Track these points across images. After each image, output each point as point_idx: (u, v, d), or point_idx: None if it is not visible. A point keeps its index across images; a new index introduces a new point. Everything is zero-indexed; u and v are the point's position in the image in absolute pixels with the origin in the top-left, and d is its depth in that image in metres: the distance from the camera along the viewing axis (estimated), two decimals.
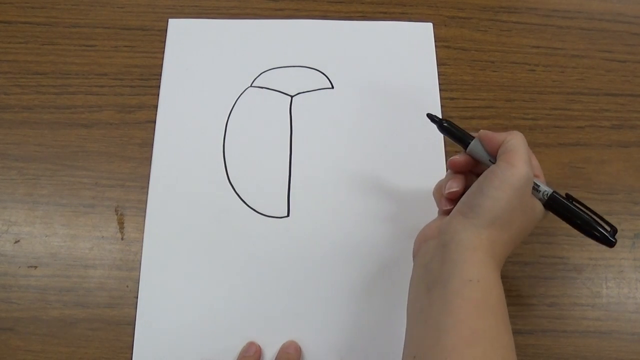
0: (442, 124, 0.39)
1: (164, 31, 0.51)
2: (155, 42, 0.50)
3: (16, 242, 0.44)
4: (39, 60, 0.49)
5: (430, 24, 0.52)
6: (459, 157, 0.38)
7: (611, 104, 0.50)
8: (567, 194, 0.37)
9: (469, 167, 0.38)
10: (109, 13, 0.51)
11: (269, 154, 0.47)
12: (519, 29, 0.53)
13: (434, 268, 0.34)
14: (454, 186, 0.37)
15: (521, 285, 0.44)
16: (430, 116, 0.39)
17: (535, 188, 0.36)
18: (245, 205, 0.45)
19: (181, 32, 0.51)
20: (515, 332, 0.42)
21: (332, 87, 0.49)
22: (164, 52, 0.50)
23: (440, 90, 0.49)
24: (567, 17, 0.53)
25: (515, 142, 0.35)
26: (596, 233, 0.36)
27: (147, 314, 0.42)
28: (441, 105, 0.49)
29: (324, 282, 0.43)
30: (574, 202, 0.37)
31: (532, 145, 0.48)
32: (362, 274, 0.43)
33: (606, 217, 0.46)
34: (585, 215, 0.36)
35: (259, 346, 0.41)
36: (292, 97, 0.49)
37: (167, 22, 0.51)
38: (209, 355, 0.41)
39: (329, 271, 0.43)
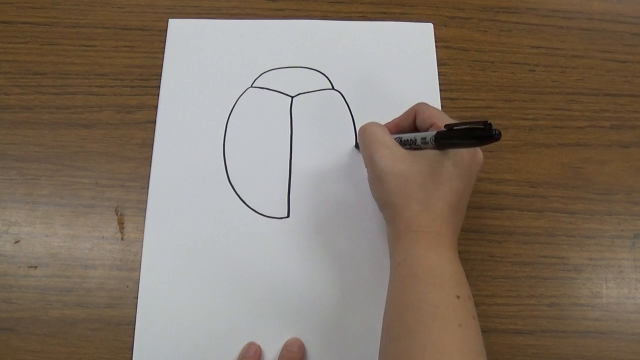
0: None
1: (164, 31, 0.51)
2: (155, 42, 0.50)
3: (16, 242, 0.44)
4: (39, 60, 0.49)
5: (431, 24, 0.52)
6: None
7: (611, 104, 0.50)
8: (445, 126, 0.35)
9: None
10: (109, 13, 0.51)
11: (269, 154, 0.47)
12: (519, 29, 0.53)
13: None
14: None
15: (521, 285, 0.44)
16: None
17: (420, 144, 0.38)
18: (245, 206, 0.45)
19: (181, 32, 0.51)
20: (515, 332, 0.43)
21: (332, 88, 0.49)
22: (164, 52, 0.50)
23: (440, 90, 0.49)
24: (567, 17, 0.53)
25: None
26: (482, 135, 0.32)
27: (147, 314, 0.42)
28: (441, 106, 0.49)
29: (324, 282, 0.43)
30: (453, 127, 0.35)
31: (532, 145, 0.48)
32: (362, 274, 0.43)
33: (606, 218, 0.46)
34: (467, 128, 0.33)
35: (259, 346, 0.41)
36: (292, 97, 0.49)
37: (167, 22, 0.51)
38: (209, 356, 0.41)
39: (329, 271, 0.43)
